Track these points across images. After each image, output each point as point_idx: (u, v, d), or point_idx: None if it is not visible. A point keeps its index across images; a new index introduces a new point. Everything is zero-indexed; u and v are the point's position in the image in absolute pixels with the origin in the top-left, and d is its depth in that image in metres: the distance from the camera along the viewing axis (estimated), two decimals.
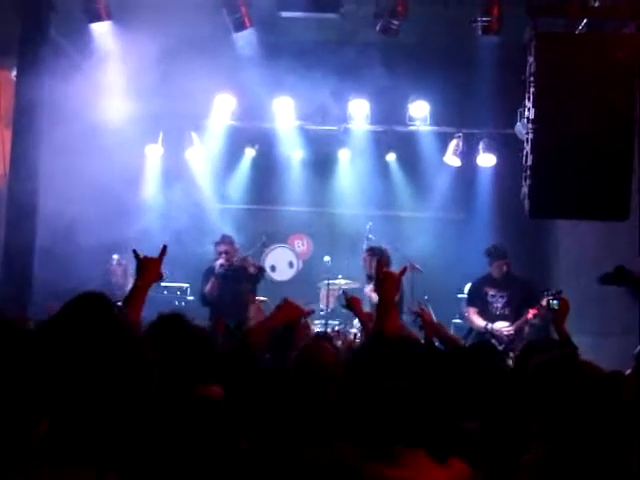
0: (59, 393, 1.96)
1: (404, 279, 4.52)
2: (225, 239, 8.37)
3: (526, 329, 7.88)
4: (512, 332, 7.86)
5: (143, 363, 2.25)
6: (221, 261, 8.21)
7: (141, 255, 3.73)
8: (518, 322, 7.89)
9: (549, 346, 4.26)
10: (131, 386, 2.18)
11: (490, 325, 7.96)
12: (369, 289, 7.90)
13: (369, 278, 8.20)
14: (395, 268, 9.69)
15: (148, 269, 3.70)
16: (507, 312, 8.07)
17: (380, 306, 3.87)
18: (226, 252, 8.24)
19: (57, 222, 8.11)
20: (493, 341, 7.21)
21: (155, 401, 2.36)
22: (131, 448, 2.17)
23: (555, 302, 5.23)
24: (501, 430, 3.13)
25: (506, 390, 3.37)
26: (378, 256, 8.38)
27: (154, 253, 3.82)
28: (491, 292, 8.16)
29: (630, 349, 4.78)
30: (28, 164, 7.86)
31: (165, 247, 3.80)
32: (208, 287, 8.26)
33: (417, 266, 9.00)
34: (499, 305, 8.12)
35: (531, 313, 7.73)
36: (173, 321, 3.21)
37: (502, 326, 7.94)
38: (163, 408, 2.57)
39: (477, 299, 8.25)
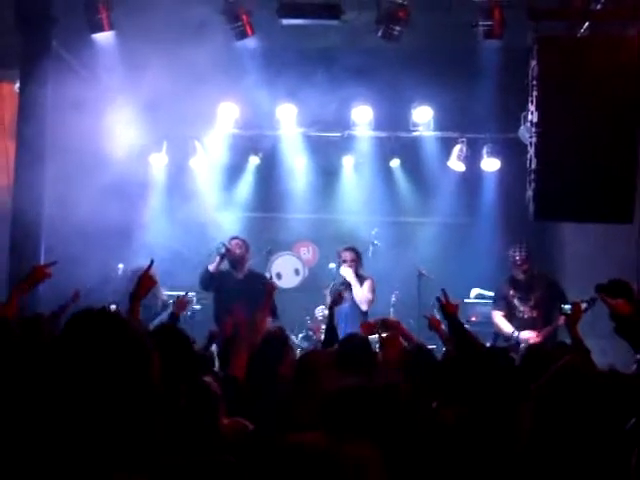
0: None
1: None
2: (232, 244, 8.29)
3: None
4: (538, 342, 7.23)
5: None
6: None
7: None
8: (545, 330, 7.53)
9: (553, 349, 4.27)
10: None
11: (517, 333, 7.55)
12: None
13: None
14: (401, 273, 9.70)
15: (139, 281, 4.45)
16: (535, 315, 7.71)
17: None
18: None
19: (62, 232, 8.12)
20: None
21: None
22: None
23: (567, 307, 5.19)
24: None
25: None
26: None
27: (158, 259, 4.71)
28: (517, 295, 7.80)
29: None
30: (32, 175, 7.86)
31: (152, 262, 4.56)
32: (213, 265, 8.16)
33: (424, 272, 9.00)
34: (526, 309, 7.75)
35: (562, 320, 7.29)
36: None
37: (529, 336, 7.49)
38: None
39: (502, 302, 7.87)
